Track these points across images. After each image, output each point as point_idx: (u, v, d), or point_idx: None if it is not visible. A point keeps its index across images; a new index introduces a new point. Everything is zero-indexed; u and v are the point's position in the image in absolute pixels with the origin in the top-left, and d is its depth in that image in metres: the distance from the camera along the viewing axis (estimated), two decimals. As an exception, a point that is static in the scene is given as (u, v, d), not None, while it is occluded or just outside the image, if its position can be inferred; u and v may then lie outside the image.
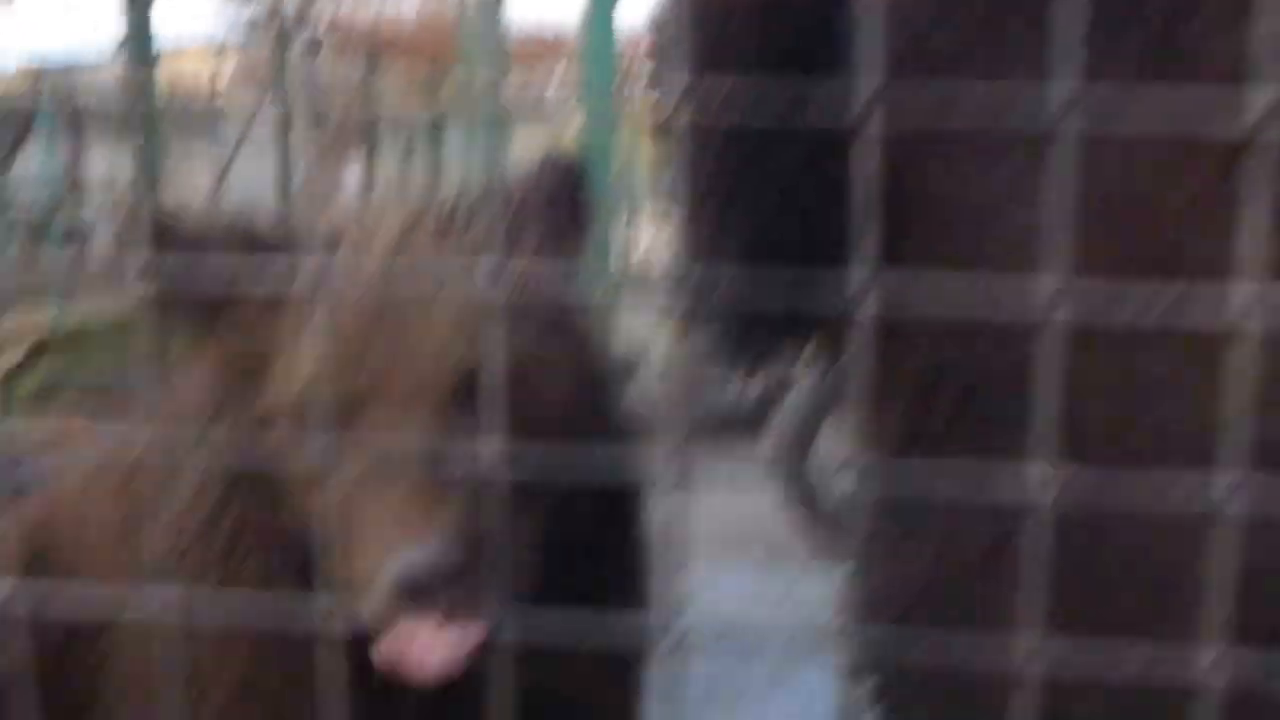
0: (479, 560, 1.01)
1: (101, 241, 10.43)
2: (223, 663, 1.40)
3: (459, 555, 0.99)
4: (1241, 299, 0.53)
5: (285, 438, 1.28)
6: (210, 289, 1.29)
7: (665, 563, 0.72)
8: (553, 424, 1.27)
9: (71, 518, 1.59)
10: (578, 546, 1.31)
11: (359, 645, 1.22)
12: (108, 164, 10.94)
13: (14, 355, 6.84)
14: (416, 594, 0.99)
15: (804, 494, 3.69)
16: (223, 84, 11.09)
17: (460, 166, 7.44)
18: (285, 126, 4.15)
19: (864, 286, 0.54)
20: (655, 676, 1.76)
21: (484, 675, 1.25)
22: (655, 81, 1.01)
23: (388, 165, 7.76)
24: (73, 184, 9.61)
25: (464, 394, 1.15)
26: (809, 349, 1.04)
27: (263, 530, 1.36)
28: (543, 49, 9.04)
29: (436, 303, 1.22)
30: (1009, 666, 0.63)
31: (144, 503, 1.46)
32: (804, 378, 3.27)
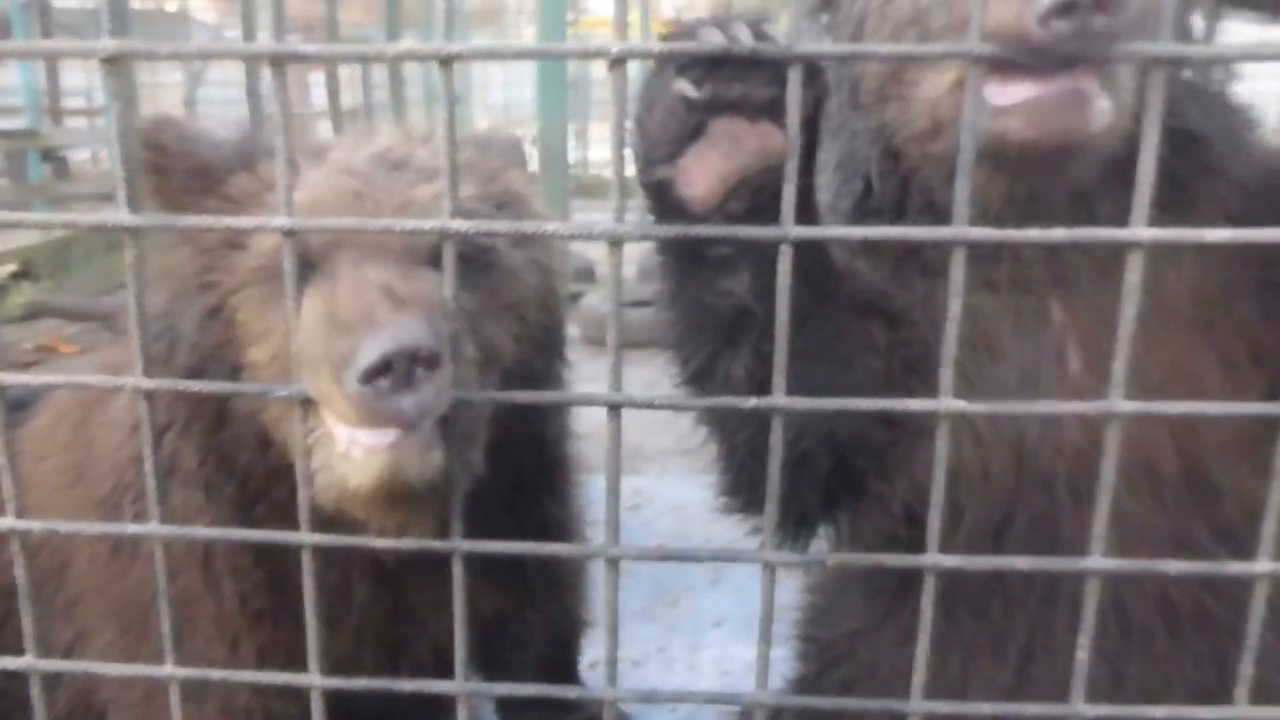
0: (445, 352, 0.96)
1: (80, 160, 10.34)
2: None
3: (428, 336, 0.94)
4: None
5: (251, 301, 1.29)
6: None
7: (607, 472, 0.80)
8: (518, 309, 1.34)
9: (30, 453, 1.68)
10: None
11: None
12: (83, 76, 10.79)
13: (-2, 278, 6.90)
14: (389, 374, 0.93)
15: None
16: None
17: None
18: (250, 37, 4.24)
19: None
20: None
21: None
22: None
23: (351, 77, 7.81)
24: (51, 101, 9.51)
25: (430, 255, 1.14)
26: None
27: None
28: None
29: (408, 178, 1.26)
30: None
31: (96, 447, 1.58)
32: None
